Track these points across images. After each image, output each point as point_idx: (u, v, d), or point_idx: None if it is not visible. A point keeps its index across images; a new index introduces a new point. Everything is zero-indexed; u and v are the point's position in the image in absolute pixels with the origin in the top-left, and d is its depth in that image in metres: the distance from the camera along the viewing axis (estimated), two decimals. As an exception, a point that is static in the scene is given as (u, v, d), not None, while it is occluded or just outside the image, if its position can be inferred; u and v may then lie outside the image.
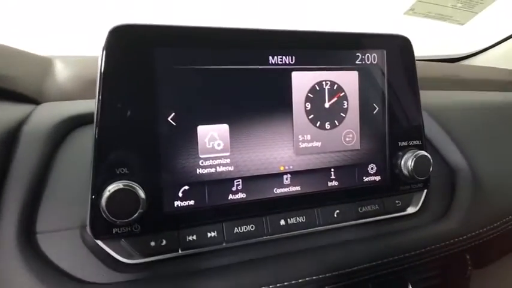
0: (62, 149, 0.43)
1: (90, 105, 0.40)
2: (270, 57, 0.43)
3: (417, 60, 0.50)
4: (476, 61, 1.11)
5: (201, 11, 0.91)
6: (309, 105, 0.45)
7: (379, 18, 1.05)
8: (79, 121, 0.45)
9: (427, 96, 0.64)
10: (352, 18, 1.07)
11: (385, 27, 0.47)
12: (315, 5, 1.07)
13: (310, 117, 0.45)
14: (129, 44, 0.37)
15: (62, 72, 0.58)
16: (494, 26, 1.04)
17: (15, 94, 0.49)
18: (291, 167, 0.44)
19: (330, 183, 0.46)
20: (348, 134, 0.47)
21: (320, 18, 1.06)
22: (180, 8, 0.89)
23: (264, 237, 0.43)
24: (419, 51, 0.50)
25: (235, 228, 0.42)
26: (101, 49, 0.36)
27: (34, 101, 0.52)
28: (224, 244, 0.42)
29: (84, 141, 0.43)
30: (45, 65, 0.57)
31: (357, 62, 0.47)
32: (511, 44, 1.04)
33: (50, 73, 0.57)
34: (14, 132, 0.42)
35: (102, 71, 0.36)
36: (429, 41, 1.06)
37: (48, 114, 0.45)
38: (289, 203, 0.44)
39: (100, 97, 0.36)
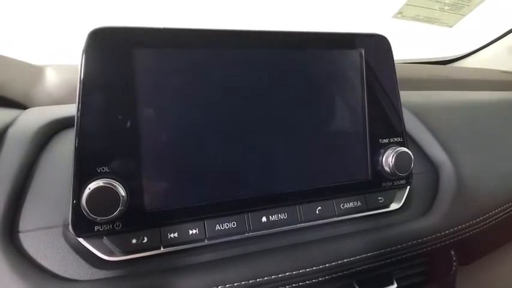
0: (46, 151, 0.44)
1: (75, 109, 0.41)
2: (249, 58, 0.44)
3: (408, 63, 0.51)
4: (466, 63, 1.13)
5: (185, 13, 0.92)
6: (288, 104, 0.46)
7: (368, 22, 1.06)
8: (64, 124, 0.46)
9: (411, 96, 0.65)
10: (342, 24, 1.08)
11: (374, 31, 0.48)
12: (306, 12, 1.09)
13: (289, 115, 0.46)
14: (108, 46, 0.38)
15: (51, 79, 0.59)
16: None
17: (3, 99, 0.51)
18: (272, 164, 0.45)
19: (311, 180, 0.47)
20: (328, 131, 0.48)
21: (313, 24, 1.08)
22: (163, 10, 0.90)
23: (246, 234, 0.44)
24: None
25: (217, 225, 0.42)
26: (81, 52, 0.37)
27: (22, 106, 0.53)
28: (206, 241, 0.42)
29: (68, 143, 0.44)
30: (34, 72, 0.59)
31: (335, 61, 0.48)
32: (499, 45, 1.05)
33: (40, 80, 0.58)
34: (0, 135, 0.43)
35: (82, 72, 0.37)
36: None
37: (33, 118, 0.46)
38: (270, 200, 0.45)
39: (80, 98, 0.37)
